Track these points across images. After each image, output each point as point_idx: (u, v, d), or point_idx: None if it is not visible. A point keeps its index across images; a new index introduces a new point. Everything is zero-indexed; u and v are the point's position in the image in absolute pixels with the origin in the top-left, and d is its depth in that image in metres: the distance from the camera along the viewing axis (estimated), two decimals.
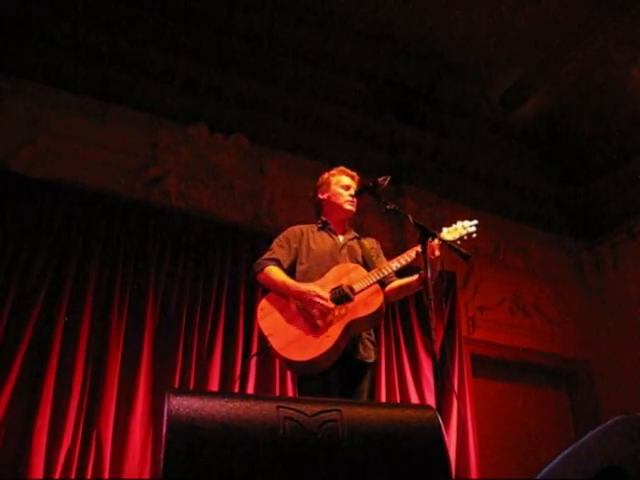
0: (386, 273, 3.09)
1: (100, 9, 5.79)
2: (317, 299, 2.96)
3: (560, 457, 1.71)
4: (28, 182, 4.95)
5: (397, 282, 3.22)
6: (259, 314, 3.08)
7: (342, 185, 3.45)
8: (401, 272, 3.21)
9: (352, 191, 3.43)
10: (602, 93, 6.89)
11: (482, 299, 6.80)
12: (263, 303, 3.12)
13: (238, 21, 6.32)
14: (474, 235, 3.18)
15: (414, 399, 5.60)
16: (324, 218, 3.48)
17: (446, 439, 1.83)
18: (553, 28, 6.36)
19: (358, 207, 3.51)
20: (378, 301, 3.00)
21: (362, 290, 3.01)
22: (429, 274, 2.74)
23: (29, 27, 5.46)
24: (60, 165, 5.20)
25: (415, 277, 3.13)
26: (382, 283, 3.15)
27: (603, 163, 7.51)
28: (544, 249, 7.52)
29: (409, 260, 3.10)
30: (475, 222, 3.21)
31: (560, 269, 7.54)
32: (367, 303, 2.99)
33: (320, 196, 3.51)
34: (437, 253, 2.99)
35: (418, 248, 2.97)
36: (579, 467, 1.64)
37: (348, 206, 3.42)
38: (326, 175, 3.54)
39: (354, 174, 3.53)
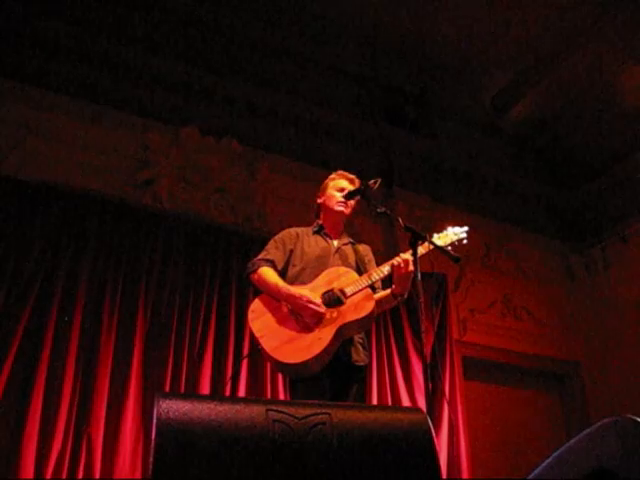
0: (377, 278, 3.09)
1: (91, 11, 5.78)
2: (309, 304, 2.95)
3: (550, 459, 1.72)
4: (18, 184, 4.93)
5: (377, 295, 3.20)
6: (250, 316, 3.06)
7: (337, 188, 3.44)
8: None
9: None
10: (592, 97, 6.93)
11: (473, 302, 6.82)
12: (255, 305, 3.11)
13: (230, 24, 6.32)
14: (465, 241, 3.20)
15: (405, 402, 5.60)
16: (320, 222, 3.48)
17: (436, 442, 1.82)
18: (544, 32, 6.39)
19: (353, 210, 3.51)
20: (370, 305, 2.99)
21: (354, 294, 3.01)
22: (419, 277, 2.74)
23: (19, 29, 5.44)
24: (51, 167, 5.18)
25: (388, 292, 3.15)
26: (374, 288, 3.15)
27: (594, 166, 7.55)
28: (535, 252, 7.55)
29: None
30: (465, 229, 3.22)
31: (551, 272, 7.57)
32: (359, 307, 2.98)
33: (318, 200, 3.52)
34: (411, 268, 2.97)
35: (409, 255, 2.96)
36: (568, 469, 1.64)
37: (338, 207, 3.39)
38: (327, 180, 3.54)
39: (353, 177, 3.49)
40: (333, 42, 6.63)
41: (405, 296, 3.12)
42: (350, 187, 3.42)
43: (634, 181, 7.14)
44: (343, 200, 3.39)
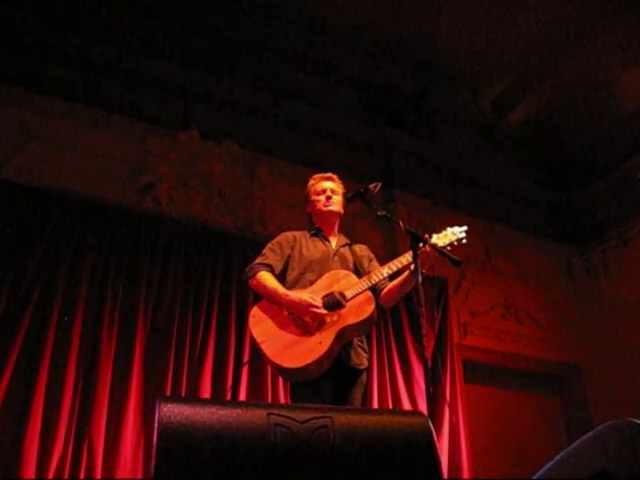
0: (377, 280, 3.09)
1: (91, 16, 5.78)
2: (310, 308, 2.95)
3: (552, 462, 1.72)
4: (19, 189, 4.93)
5: (391, 283, 3.21)
6: (251, 321, 3.07)
7: (317, 192, 3.49)
8: (392, 278, 3.21)
9: (329, 192, 3.45)
10: (592, 99, 6.93)
11: (473, 305, 6.81)
12: (255, 310, 3.11)
13: (230, 28, 6.33)
14: (464, 241, 3.18)
15: (406, 405, 5.59)
16: (316, 225, 3.50)
17: (437, 445, 1.82)
18: (543, 35, 6.40)
19: (347, 212, 3.54)
20: (370, 308, 2.99)
21: (354, 297, 3.01)
22: (420, 280, 2.74)
23: (19, 34, 5.44)
24: (51, 172, 5.18)
25: (406, 274, 3.12)
26: (375, 290, 3.15)
27: (594, 169, 7.55)
28: (535, 254, 7.54)
29: (400, 266, 3.10)
30: (465, 228, 3.21)
31: (551, 274, 7.56)
32: (359, 310, 2.99)
33: (308, 210, 3.57)
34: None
35: (409, 256, 2.96)
36: (570, 472, 1.64)
37: (325, 207, 3.43)
38: (306, 189, 3.58)
39: (329, 175, 3.55)
40: (333, 45, 6.65)
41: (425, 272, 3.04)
42: (327, 185, 3.47)
43: (634, 183, 7.14)
44: (326, 201, 3.42)
